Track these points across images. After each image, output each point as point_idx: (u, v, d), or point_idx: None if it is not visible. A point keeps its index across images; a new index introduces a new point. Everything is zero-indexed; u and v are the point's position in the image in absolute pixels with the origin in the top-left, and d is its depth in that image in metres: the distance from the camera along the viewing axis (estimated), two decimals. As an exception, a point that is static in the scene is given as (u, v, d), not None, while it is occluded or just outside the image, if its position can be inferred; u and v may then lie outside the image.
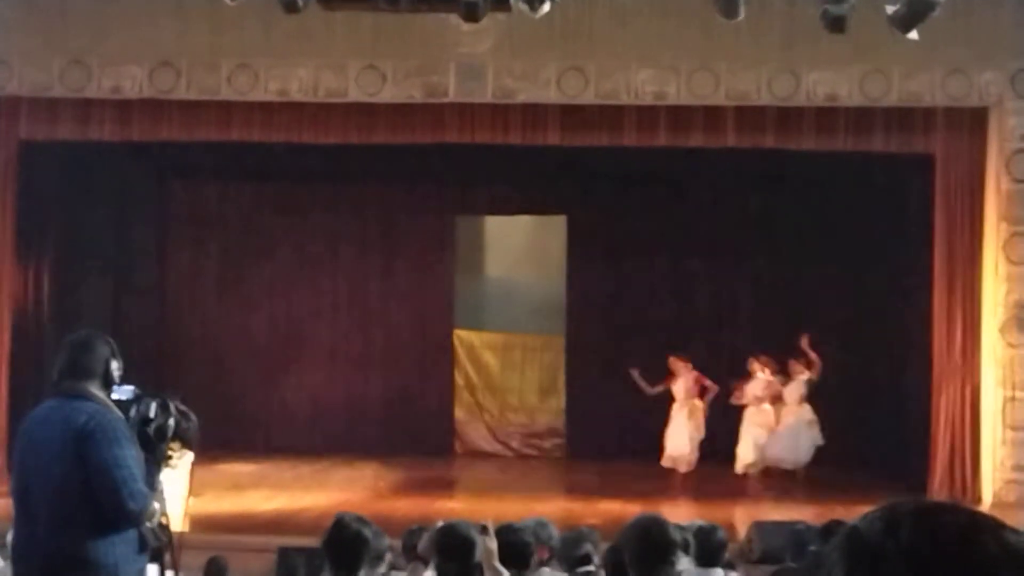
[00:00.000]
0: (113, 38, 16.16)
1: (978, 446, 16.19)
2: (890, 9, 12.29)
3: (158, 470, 6.00)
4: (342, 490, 16.85)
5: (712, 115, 16.39)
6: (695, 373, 18.30)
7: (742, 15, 12.73)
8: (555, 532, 7.82)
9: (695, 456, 18.12)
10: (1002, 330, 16.04)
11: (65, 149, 17.51)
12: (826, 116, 16.33)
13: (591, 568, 7.30)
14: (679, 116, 16.49)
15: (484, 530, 6.12)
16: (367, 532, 5.77)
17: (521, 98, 16.33)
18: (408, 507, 14.96)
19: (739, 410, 18.44)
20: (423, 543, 7.22)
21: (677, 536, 5.63)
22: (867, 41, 14.86)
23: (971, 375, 16.23)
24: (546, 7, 12.39)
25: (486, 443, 21.52)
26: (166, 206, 21.46)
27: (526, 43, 15.78)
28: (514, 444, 21.50)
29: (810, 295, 21.21)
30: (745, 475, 18.15)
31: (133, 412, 6.01)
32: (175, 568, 6.21)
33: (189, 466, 13.48)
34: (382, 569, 5.99)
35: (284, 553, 10.98)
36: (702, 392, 18.32)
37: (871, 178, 19.28)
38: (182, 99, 16.42)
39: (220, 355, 21.65)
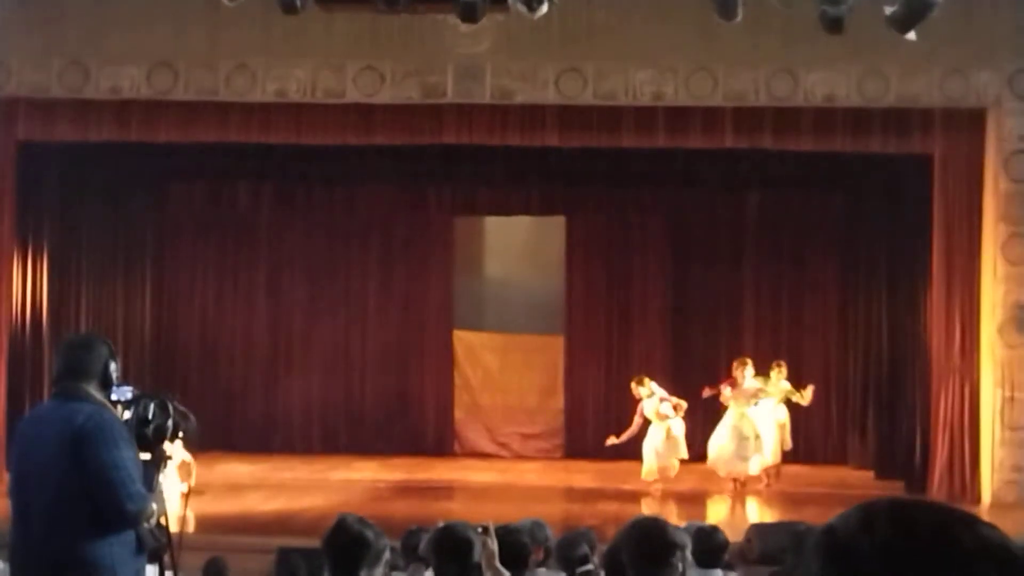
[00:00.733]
0: (111, 39, 16.16)
1: (977, 446, 16.20)
2: (888, 10, 12.29)
3: (157, 471, 6.00)
4: (341, 491, 16.86)
5: (710, 116, 16.40)
6: (659, 395, 17.82)
7: (740, 16, 12.74)
8: (551, 533, 7.83)
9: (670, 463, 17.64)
10: (1000, 330, 16.05)
11: (63, 150, 17.51)
12: (824, 117, 16.34)
13: (589, 568, 7.30)
14: (677, 117, 16.50)
15: (485, 531, 6.11)
16: (369, 533, 5.76)
17: (519, 99, 16.34)
18: (407, 508, 14.96)
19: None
20: (424, 544, 7.22)
21: (676, 537, 5.62)
22: (865, 42, 14.87)
23: (970, 375, 16.24)
24: (544, 8, 12.40)
25: (485, 444, 21.53)
26: (164, 207, 21.45)
27: (524, 44, 15.79)
28: (513, 445, 21.51)
29: (809, 295, 21.26)
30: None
31: (131, 413, 6.00)
32: (174, 569, 6.21)
33: (189, 466, 13.54)
34: (381, 570, 5.98)
35: (283, 554, 10.97)
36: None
37: (870, 178, 19.30)
38: (180, 100, 16.43)
39: (219, 356, 21.67)
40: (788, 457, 18.16)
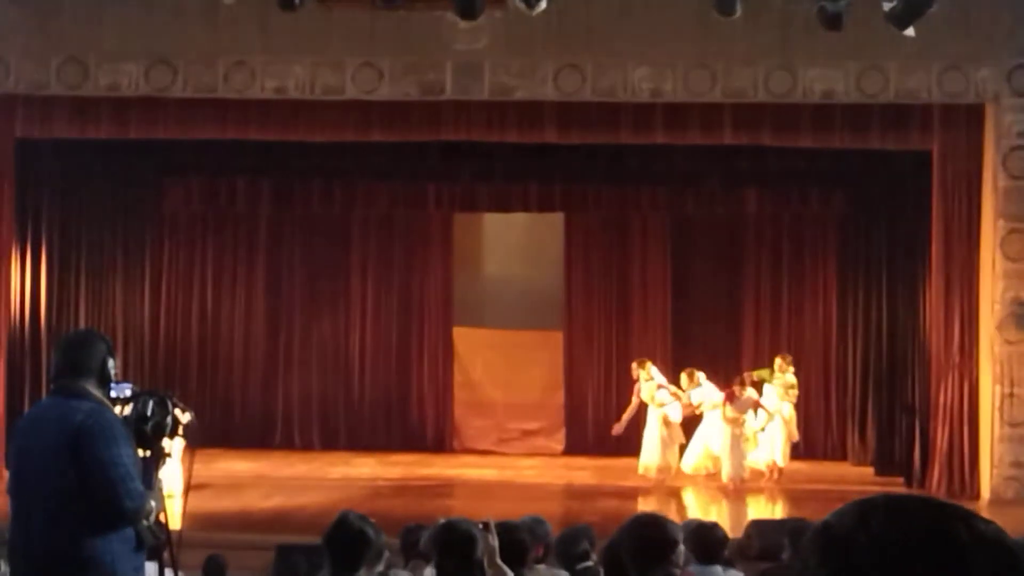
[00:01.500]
0: (110, 36, 16.16)
1: (976, 443, 16.21)
2: (887, 6, 12.29)
3: (156, 468, 6.00)
4: (340, 488, 16.85)
5: (709, 112, 16.40)
6: (657, 381, 17.82)
7: (739, 12, 12.74)
8: (551, 529, 7.83)
9: (667, 463, 17.64)
10: (1000, 327, 16.06)
11: (62, 147, 17.51)
12: (823, 113, 16.34)
13: (589, 564, 7.30)
14: (676, 113, 16.51)
15: (486, 527, 6.11)
16: (370, 531, 5.77)
17: (518, 95, 16.33)
18: (406, 505, 14.96)
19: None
20: (425, 540, 7.22)
21: (675, 534, 5.62)
22: (864, 38, 14.87)
23: (969, 372, 16.25)
24: (543, 5, 12.41)
25: (484, 440, 21.52)
26: (163, 204, 21.43)
27: (523, 41, 15.78)
28: (512, 441, 21.50)
29: (808, 292, 21.28)
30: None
31: (130, 410, 6.00)
32: (174, 566, 6.21)
33: (187, 463, 13.47)
34: (381, 567, 5.99)
35: (283, 551, 10.98)
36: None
37: (868, 175, 19.29)
38: (179, 97, 16.42)
39: (218, 353, 21.67)
40: (788, 453, 18.12)
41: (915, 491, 15.95)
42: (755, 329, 21.06)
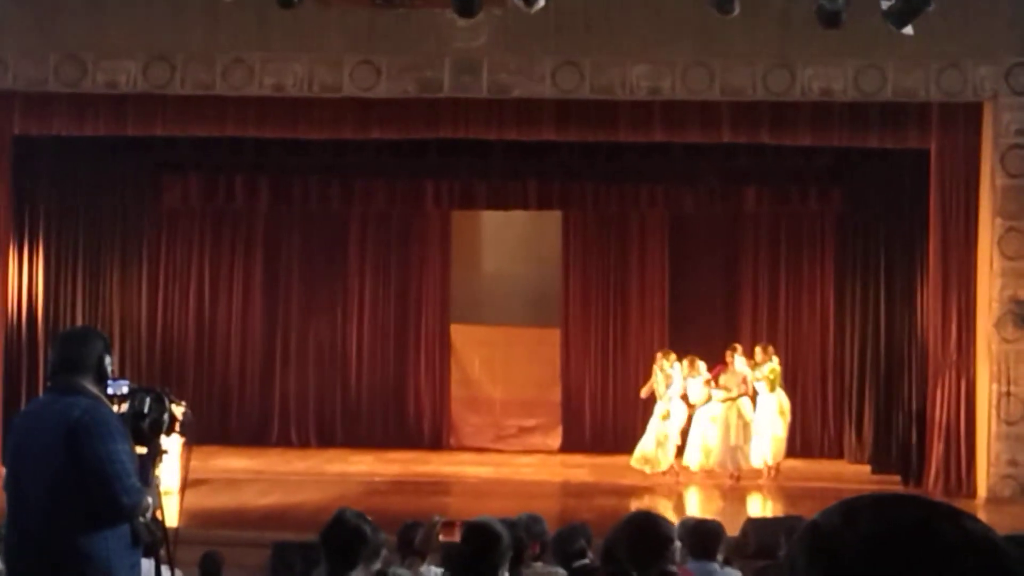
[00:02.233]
0: (108, 33, 16.16)
1: (973, 441, 16.22)
2: (885, 4, 12.30)
3: (152, 465, 6.00)
4: (337, 485, 16.85)
5: (707, 110, 16.41)
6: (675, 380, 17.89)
7: (737, 11, 12.74)
8: (547, 527, 7.84)
9: (664, 456, 17.68)
10: (997, 325, 16.06)
11: (60, 144, 17.51)
12: (821, 111, 16.35)
13: (586, 562, 7.30)
14: (674, 111, 16.51)
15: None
16: (367, 528, 5.77)
17: (516, 93, 16.33)
18: (403, 502, 14.95)
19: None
20: (420, 537, 7.23)
21: (671, 531, 5.63)
22: (862, 36, 14.87)
23: (966, 370, 16.26)
24: (541, 2, 12.41)
25: (481, 438, 21.52)
26: (161, 201, 21.43)
27: (521, 38, 15.78)
28: (509, 438, 21.50)
29: (806, 290, 21.29)
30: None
31: (127, 407, 6.00)
32: (170, 563, 6.20)
33: (185, 460, 13.48)
34: (378, 564, 5.98)
35: (279, 548, 10.97)
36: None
37: (866, 173, 19.31)
38: (177, 94, 16.42)
39: (215, 350, 21.67)
40: (785, 451, 18.10)
41: (912, 489, 15.97)
42: (752, 327, 21.06)
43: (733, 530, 12.59)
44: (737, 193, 20.86)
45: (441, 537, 7.25)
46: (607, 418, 21.37)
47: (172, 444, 6.58)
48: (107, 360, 5.88)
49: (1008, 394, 16.03)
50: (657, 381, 17.76)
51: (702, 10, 13.55)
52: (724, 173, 20.06)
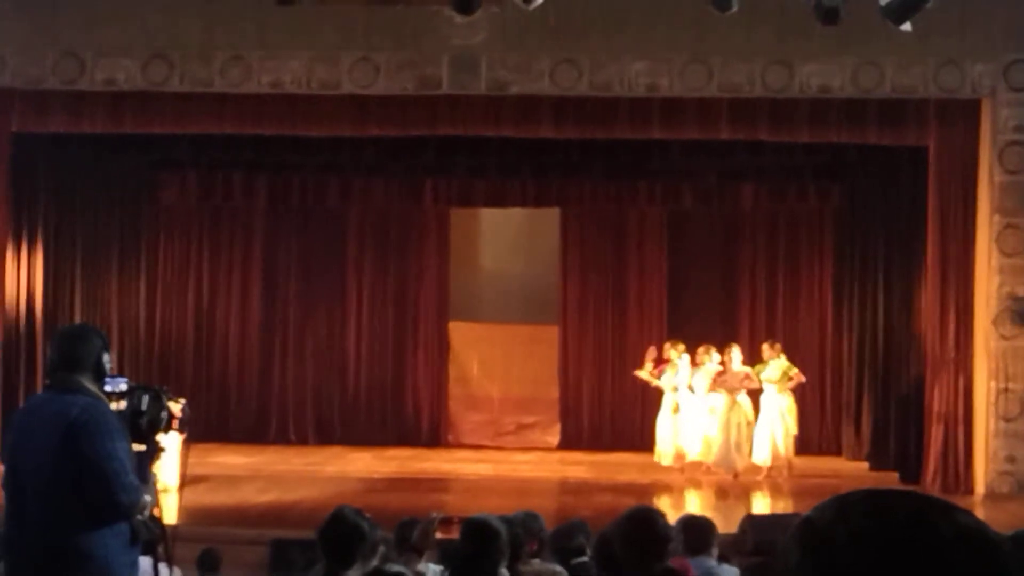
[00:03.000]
0: (106, 30, 16.15)
1: (971, 438, 16.22)
2: (883, 1, 12.29)
3: (150, 462, 6.00)
4: (335, 482, 16.85)
5: (705, 107, 16.40)
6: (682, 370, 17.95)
7: (735, 7, 12.73)
8: (545, 524, 7.84)
9: (679, 451, 17.74)
10: (995, 322, 16.07)
11: (58, 141, 17.51)
12: (819, 108, 16.35)
13: (584, 559, 7.31)
14: (672, 108, 16.50)
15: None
16: (365, 525, 5.78)
17: (514, 90, 16.33)
18: (401, 499, 14.95)
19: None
20: (417, 533, 7.23)
21: (668, 529, 5.64)
22: (860, 33, 14.87)
23: (964, 367, 16.26)
24: (539, -1, 12.39)
25: (480, 435, 21.51)
26: (159, 198, 21.42)
27: (519, 35, 15.78)
28: (507, 436, 21.50)
29: (804, 287, 21.30)
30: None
31: (125, 404, 6.00)
32: (169, 560, 6.21)
33: (183, 457, 13.50)
34: (375, 561, 5.99)
35: (277, 545, 10.99)
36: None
37: (865, 170, 19.31)
38: (175, 91, 16.41)
39: (213, 347, 21.66)
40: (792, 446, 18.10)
41: (910, 486, 15.97)
42: (751, 324, 21.06)
43: (732, 527, 12.60)
44: (735, 190, 20.86)
45: (439, 534, 7.25)
46: (605, 415, 21.38)
47: (170, 441, 6.58)
48: (105, 358, 5.88)
49: (1006, 391, 16.04)
50: (664, 372, 17.80)
51: (700, 7, 13.53)
52: (722, 170, 20.05)
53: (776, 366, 17.79)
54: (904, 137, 16.62)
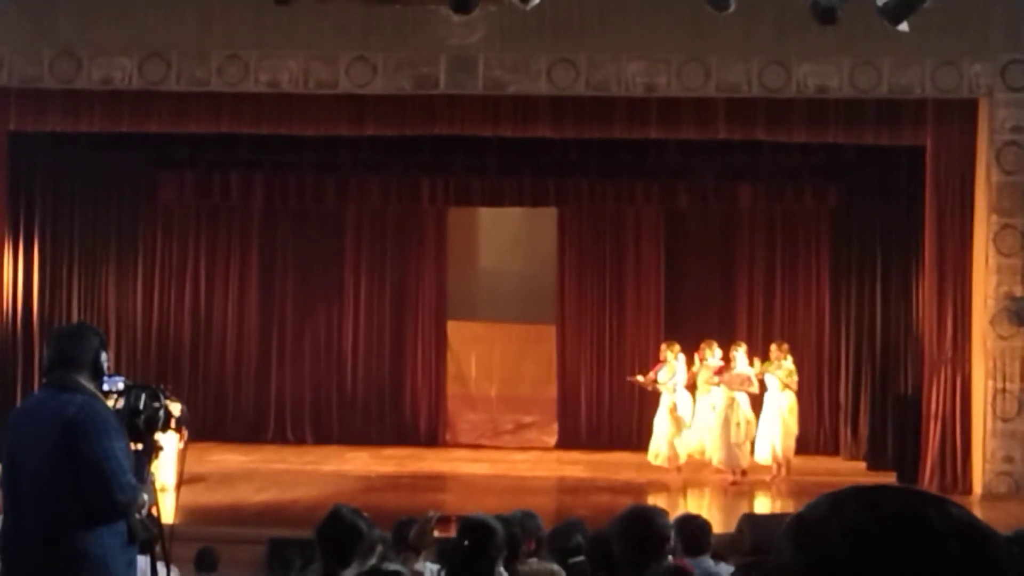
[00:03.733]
0: (103, 29, 16.14)
1: (969, 438, 16.22)
2: (880, 1, 12.29)
3: (148, 461, 6.00)
4: (333, 482, 16.85)
5: (703, 107, 16.41)
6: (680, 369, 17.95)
7: (732, 7, 12.73)
8: (543, 524, 7.84)
9: (673, 452, 17.72)
10: (992, 322, 16.07)
11: (55, 140, 17.50)
12: (816, 108, 16.35)
13: (582, 558, 7.31)
14: (670, 108, 16.50)
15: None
16: (362, 524, 5.78)
17: (512, 90, 16.33)
18: (399, 499, 14.96)
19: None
20: (414, 532, 7.23)
21: (667, 529, 5.64)
22: (857, 33, 14.88)
23: (962, 367, 16.26)
24: (536, -1, 12.38)
25: (477, 434, 21.51)
26: (156, 197, 21.41)
27: (517, 35, 15.78)
28: (505, 435, 21.50)
29: (802, 286, 21.30)
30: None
31: (123, 403, 6.00)
32: (166, 559, 6.20)
33: (180, 457, 13.52)
34: (373, 560, 5.99)
35: (275, 544, 10.99)
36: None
37: (862, 170, 19.32)
38: (172, 90, 16.41)
39: (211, 346, 21.65)
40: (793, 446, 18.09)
41: (912, 486, 15.95)
42: (748, 324, 21.06)
43: (729, 527, 12.62)
44: (733, 190, 20.86)
45: (436, 533, 7.24)
46: (603, 414, 21.38)
47: (168, 441, 6.58)
48: (103, 356, 5.88)
49: (1003, 391, 16.05)
50: (661, 372, 17.79)
51: (698, 7, 13.53)
52: (720, 170, 20.06)
53: (784, 368, 17.78)
54: (901, 137, 16.63)
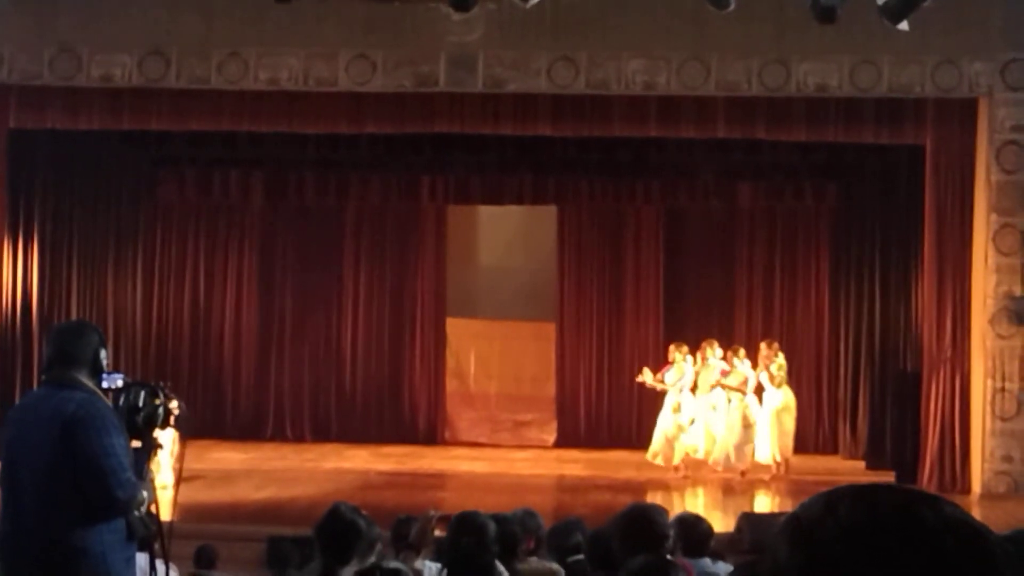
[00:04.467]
0: (103, 27, 16.13)
1: (968, 437, 16.22)
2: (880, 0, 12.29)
3: (147, 459, 6.00)
4: (332, 479, 16.85)
5: (703, 105, 16.40)
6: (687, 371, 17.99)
7: (733, 5, 12.73)
8: (542, 522, 7.84)
9: (670, 451, 17.75)
10: (992, 321, 16.07)
11: (55, 138, 17.49)
12: (816, 107, 16.35)
13: (581, 557, 7.31)
14: (670, 106, 16.50)
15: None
16: (361, 522, 5.78)
17: (512, 88, 16.32)
18: (398, 497, 14.96)
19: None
20: (414, 531, 7.23)
21: (666, 527, 5.64)
22: (857, 32, 14.87)
23: (961, 366, 16.26)
24: (536, -3, 12.38)
25: (477, 432, 21.52)
26: (156, 194, 21.43)
27: (517, 32, 15.77)
28: (504, 433, 21.51)
29: (801, 285, 21.30)
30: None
31: (122, 400, 5.99)
32: (165, 557, 6.20)
33: (179, 454, 13.53)
34: (372, 558, 5.99)
35: (274, 542, 10.97)
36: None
37: (862, 168, 19.32)
38: (172, 88, 16.40)
39: (210, 344, 21.66)
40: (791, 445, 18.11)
41: (906, 485, 15.95)
42: (747, 322, 21.07)
43: (728, 526, 12.62)
44: (732, 188, 20.87)
45: (436, 532, 7.25)
46: (602, 413, 21.39)
47: (167, 438, 6.58)
48: (102, 354, 5.88)
49: (1003, 390, 16.04)
50: (669, 372, 17.81)
51: (698, 5, 13.53)
52: (719, 168, 20.07)
53: (775, 362, 17.82)
54: (901, 136, 16.62)
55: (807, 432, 20.25)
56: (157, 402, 6.04)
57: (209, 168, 21.21)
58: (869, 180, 19.49)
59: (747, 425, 17.42)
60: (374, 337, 21.74)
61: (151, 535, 6.01)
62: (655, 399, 18.19)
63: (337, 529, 5.77)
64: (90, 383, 5.81)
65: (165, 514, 6.29)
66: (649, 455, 17.77)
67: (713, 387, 17.54)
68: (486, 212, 22.12)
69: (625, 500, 15.01)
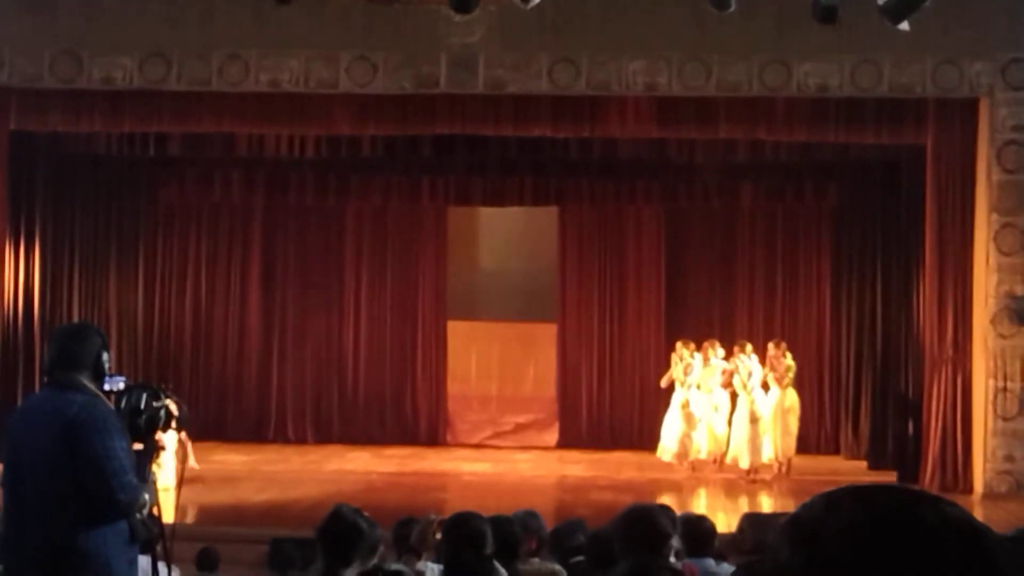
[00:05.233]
0: (104, 29, 16.14)
1: (969, 437, 16.22)
2: (881, 0, 12.29)
3: (149, 461, 6.00)
4: (334, 481, 16.86)
5: (703, 106, 16.40)
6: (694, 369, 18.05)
7: (733, 6, 12.73)
8: (544, 523, 7.84)
9: (683, 449, 17.82)
10: (993, 321, 16.07)
11: (56, 140, 17.50)
12: (817, 107, 16.36)
13: (583, 558, 7.31)
14: (670, 107, 16.51)
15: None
16: (363, 524, 5.77)
17: (512, 89, 16.33)
18: (400, 498, 14.96)
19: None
20: (416, 534, 7.23)
21: (668, 527, 5.63)
22: (858, 32, 14.88)
23: (962, 366, 16.27)
24: (537, -2, 12.38)
25: (478, 434, 21.51)
26: (157, 196, 21.43)
27: (517, 34, 15.78)
28: (506, 435, 21.50)
29: (802, 285, 21.30)
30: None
31: (124, 403, 5.99)
32: (167, 559, 6.20)
33: (181, 456, 13.58)
34: (374, 560, 5.99)
35: (276, 543, 10.98)
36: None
37: (863, 169, 19.32)
38: (173, 90, 16.41)
39: (212, 346, 21.66)
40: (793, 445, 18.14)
41: (908, 485, 15.95)
42: (749, 322, 21.06)
43: (731, 526, 12.61)
44: (733, 188, 20.87)
45: (437, 535, 7.24)
46: (604, 414, 21.38)
47: (169, 440, 6.58)
48: (104, 356, 5.88)
49: (1004, 390, 16.04)
50: (677, 371, 17.85)
51: (698, 6, 13.54)
52: (720, 168, 20.05)
53: (783, 363, 17.85)
54: (902, 136, 16.63)
55: (809, 432, 20.25)
56: (158, 404, 6.05)
57: (210, 170, 21.20)
58: (870, 180, 19.49)
59: (754, 420, 17.44)
60: (376, 339, 21.74)
61: (153, 537, 6.01)
62: (657, 399, 18.21)
63: (339, 531, 5.77)
64: (92, 386, 5.81)
65: (167, 516, 6.29)
66: (659, 452, 17.81)
67: (726, 386, 17.59)
68: (487, 213, 22.12)
69: (627, 500, 15.03)
